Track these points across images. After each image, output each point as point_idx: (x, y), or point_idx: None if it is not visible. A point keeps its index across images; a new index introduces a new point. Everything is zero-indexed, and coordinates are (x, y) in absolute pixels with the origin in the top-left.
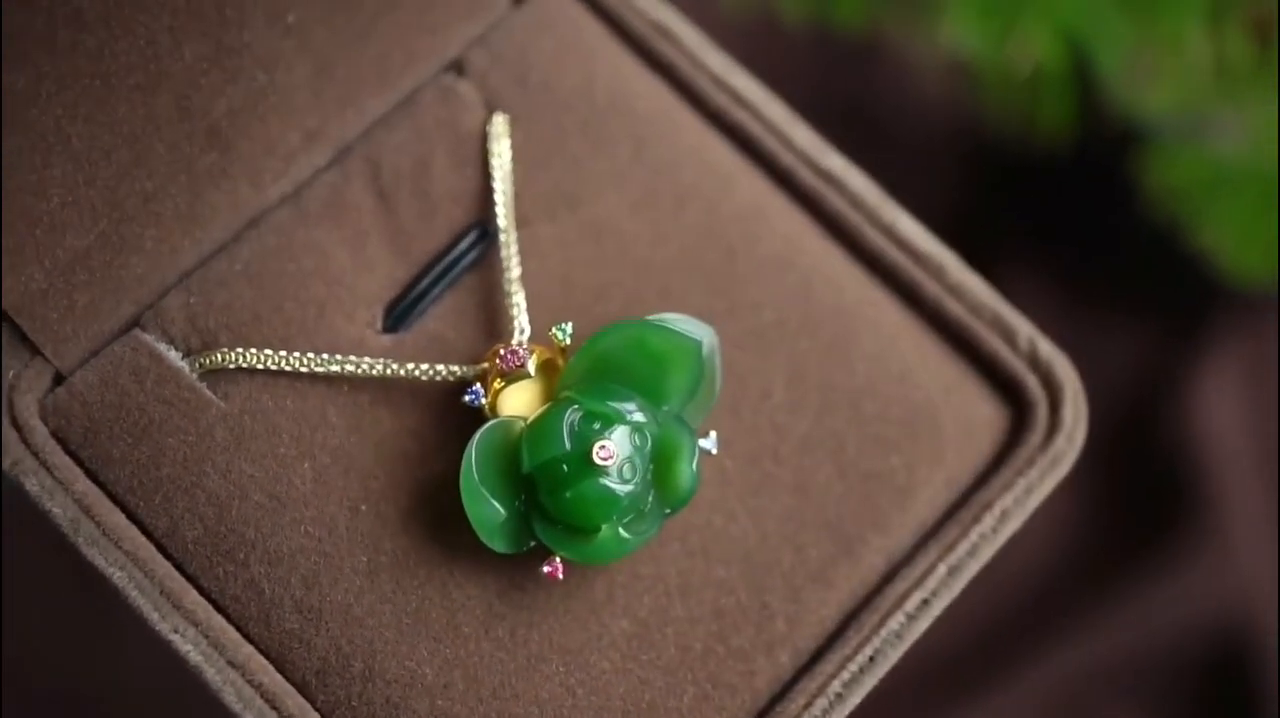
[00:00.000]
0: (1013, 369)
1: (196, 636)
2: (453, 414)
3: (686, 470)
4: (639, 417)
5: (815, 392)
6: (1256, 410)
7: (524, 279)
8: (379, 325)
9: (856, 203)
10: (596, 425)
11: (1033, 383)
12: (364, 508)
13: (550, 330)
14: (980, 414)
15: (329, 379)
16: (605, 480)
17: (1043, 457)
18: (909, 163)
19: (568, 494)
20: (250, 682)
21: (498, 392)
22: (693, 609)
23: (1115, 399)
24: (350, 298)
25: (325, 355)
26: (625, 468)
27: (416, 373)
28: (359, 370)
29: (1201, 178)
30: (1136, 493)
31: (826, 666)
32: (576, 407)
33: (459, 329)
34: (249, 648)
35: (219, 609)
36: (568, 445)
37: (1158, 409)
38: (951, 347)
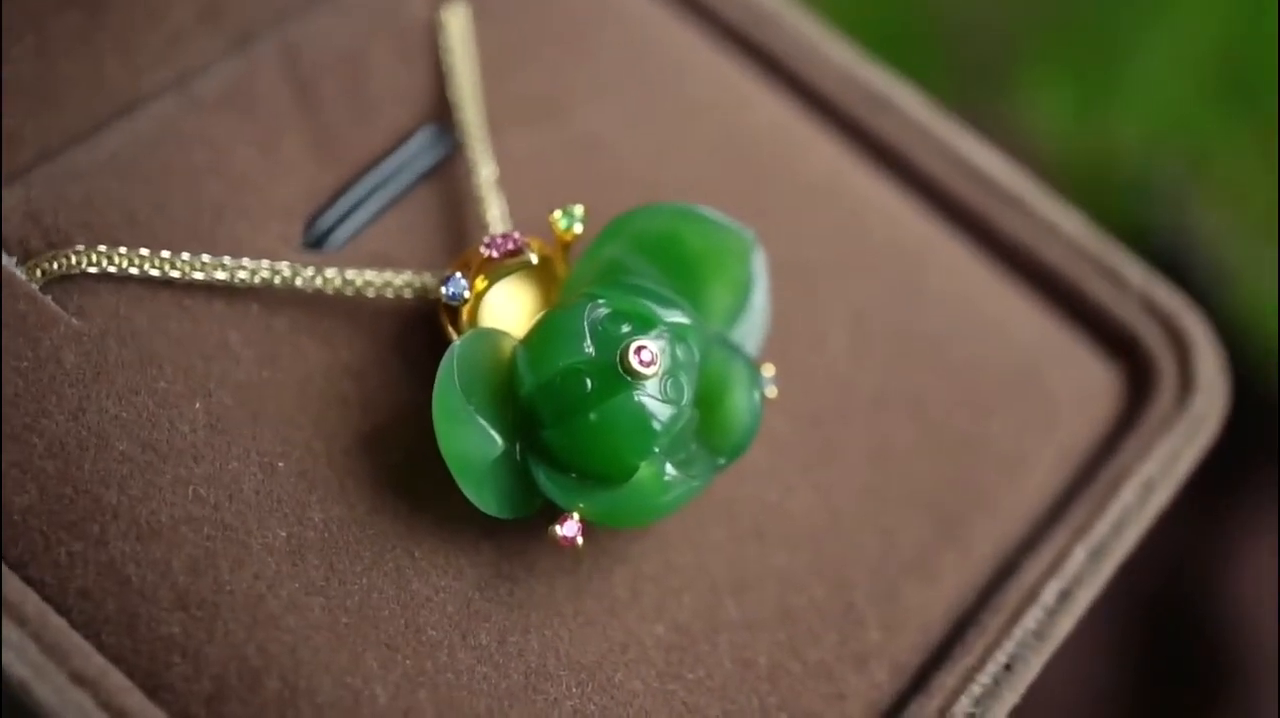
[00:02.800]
0: (1123, 319)
1: (22, 639)
2: (405, 345)
3: (744, 402)
4: (683, 319)
5: (882, 339)
6: None
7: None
8: (298, 241)
9: (909, 125)
10: (626, 328)
11: (1152, 334)
12: (282, 465)
13: (551, 215)
14: (1090, 371)
15: (231, 294)
16: (642, 397)
17: (1181, 418)
18: None
19: (592, 416)
20: (105, 706)
21: (479, 295)
22: (750, 611)
23: (1158, 562)
24: (260, 204)
25: (227, 259)
26: (669, 384)
27: (359, 284)
28: (276, 280)
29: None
30: (1173, 664)
31: (947, 678)
32: (600, 302)
33: (409, 247)
34: (102, 659)
35: (58, 607)
36: (590, 350)
37: (1199, 577)
38: (1042, 292)
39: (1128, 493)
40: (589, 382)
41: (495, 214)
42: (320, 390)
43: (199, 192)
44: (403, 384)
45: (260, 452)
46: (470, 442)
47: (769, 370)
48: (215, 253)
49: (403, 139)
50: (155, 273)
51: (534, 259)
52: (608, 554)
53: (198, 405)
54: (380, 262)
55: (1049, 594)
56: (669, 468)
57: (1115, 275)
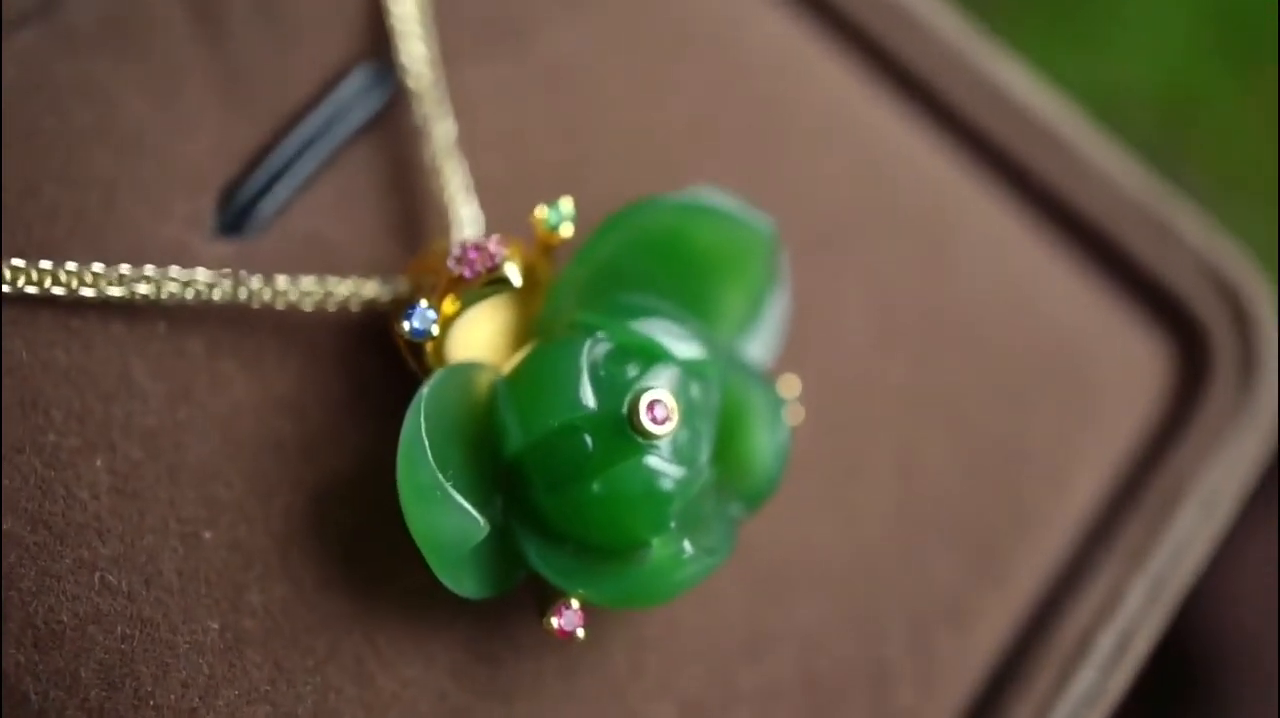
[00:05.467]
0: (1172, 282)
1: None
2: (353, 368)
3: (767, 442)
4: (697, 351)
5: (910, 322)
6: None
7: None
8: (211, 222)
9: (937, 52)
10: (633, 370)
11: (1206, 303)
12: (209, 535)
13: (535, 213)
14: (1134, 346)
15: (130, 313)
16: (654, 460)
17: (1245, 410)
18: None
19: (595, 486)
20: None
21: (447, 320)
22: (769, 677)
23: None
24: (160, 174)
25: (125, 268)
26: (683, 439)
27: (292, 297)
28: (185, 293)
29: None
30: (1167, 668)
31: None
32: (601, 336)
33: (350, 224)
34: None
35: None
36: (591, 403)
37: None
38: (1081, 249)
39: (1190, 508)
40: (590, 441)
41: (453, 194)
42: (250, 432)
43: (81, 164)
44: (352, 419)
45: (180, 519)
46: (447, 525)
47: (792, 388)
48: (106, 248)
49: (334, 81)
50: (32, 290)
51: (516, 281)
52: (603, 620)
53: (99, 463)
54: (315, 247)
55: (1105, 642)
56: (686, 545)
57: (1165, 230)
